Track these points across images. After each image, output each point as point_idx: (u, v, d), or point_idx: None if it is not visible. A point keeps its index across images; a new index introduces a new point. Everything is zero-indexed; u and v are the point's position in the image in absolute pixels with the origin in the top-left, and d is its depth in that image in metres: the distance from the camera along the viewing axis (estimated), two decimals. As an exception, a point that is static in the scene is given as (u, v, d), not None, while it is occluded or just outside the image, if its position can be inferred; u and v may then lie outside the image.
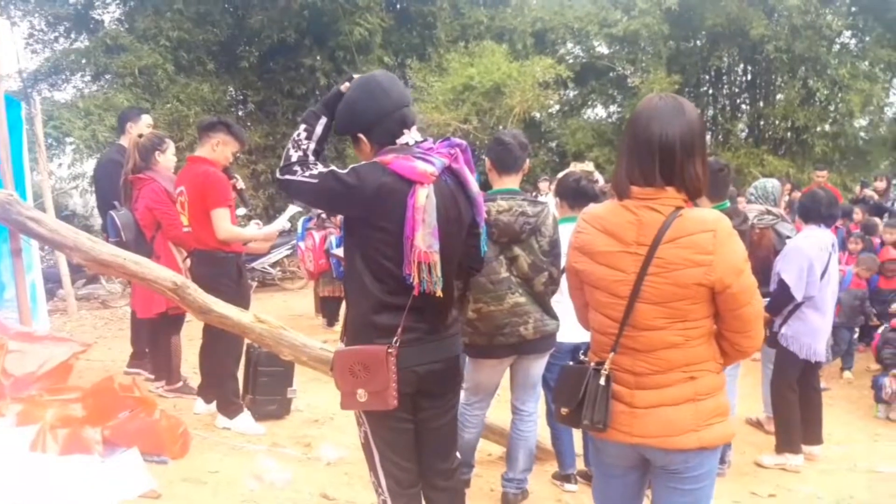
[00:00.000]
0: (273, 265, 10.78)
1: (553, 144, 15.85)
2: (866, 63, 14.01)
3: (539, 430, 3.53)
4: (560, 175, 4.13)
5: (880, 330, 5.86)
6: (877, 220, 7.91)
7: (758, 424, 4.80)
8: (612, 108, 16.63)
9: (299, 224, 8.54)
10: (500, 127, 13.35)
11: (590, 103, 16.64)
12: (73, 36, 14.94)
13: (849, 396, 5.77)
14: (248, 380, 4.31)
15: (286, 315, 9.01)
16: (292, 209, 4.44)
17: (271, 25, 13.93)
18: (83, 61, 13.55)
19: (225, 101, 15.06)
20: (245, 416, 4.04)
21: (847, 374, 6.17)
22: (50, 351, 3.22)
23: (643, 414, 1.82)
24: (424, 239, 2.03)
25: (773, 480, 4.01)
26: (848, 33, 14.74)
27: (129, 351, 5.22)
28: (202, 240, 3.80)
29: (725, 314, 1.81)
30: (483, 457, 3.98)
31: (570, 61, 15.21)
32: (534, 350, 3.19)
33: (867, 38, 14.25)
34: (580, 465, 3.72)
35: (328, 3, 13.07)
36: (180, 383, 4.67)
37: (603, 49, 15.80)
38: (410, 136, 2.14)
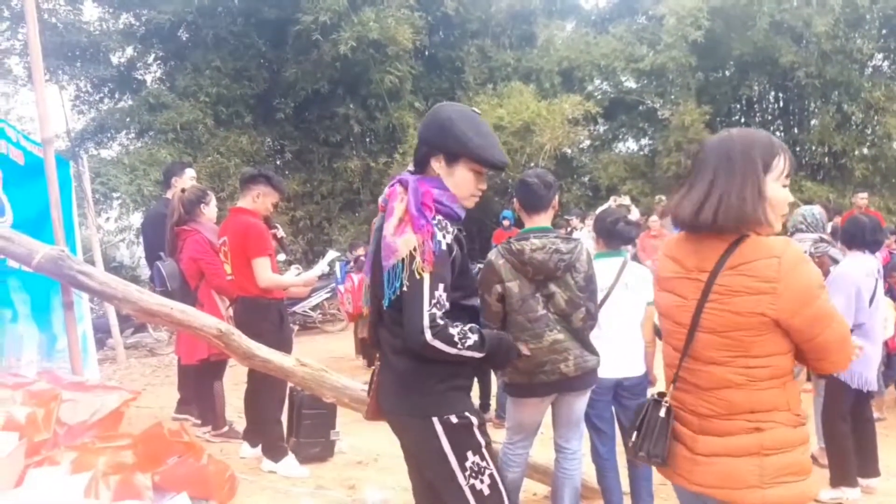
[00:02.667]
0: (313, 308, 10.93)
1: (586, 179, 15.88)
2: (901, 85, 13.82)
3: (584, 468, 3.49)
4: (598, 211, 4.16)
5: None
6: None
7: (812, 458, 4.65)
8: (644, 140, 16.63)
9: (338, 267, 8.69)
10: (532, 164, 13.44)
11: (620, 137, 16.67)
12: (117, 96, 15.68)
13: (907, 426, 5.56)
14: (292, 423, 4.37)
15: (327, 357, 9.08)
16: (331, 254, 4.55)
17: (305, 77, 14.40)
18: (127, 120, 14.18)
19: (263, 152, 15.52)
20: (290, 460, 4.08)
21: (903, 403, 5.95)
22: (101, 399, 3.32)
23: (704, 462, 1.74)
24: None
25: (832, 515, 3.87)
26: (880, 56, 14.58)
27: (177, 397, 5.34)
28: (245, 287, 3.92)
29: (801, 345, 1.70)
30: (528, 497, 3.93)
31: (599, 97, 15.32)
32: (575, 387, 3.17)
33: (901, 60, 14.10)
34: (627, 503, 3.65)
35: (359, 53, 13.46)
36: (226, 428, 4.75)
37: (631, 84, 15.89)
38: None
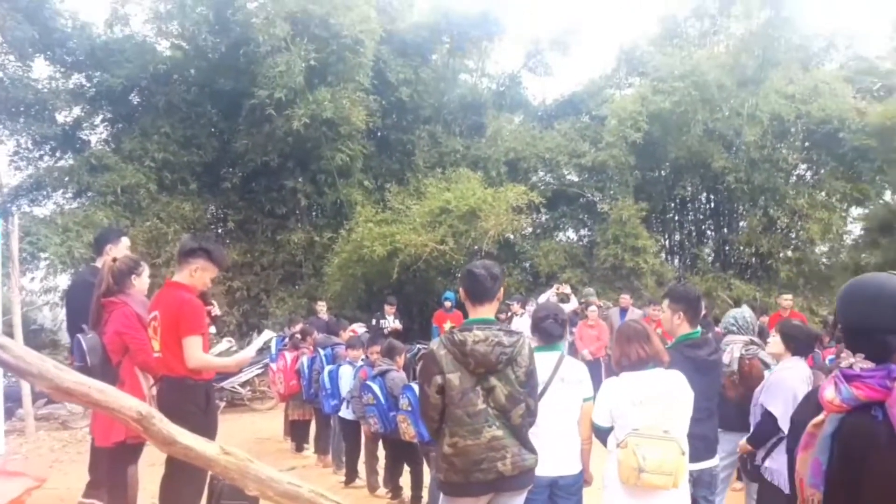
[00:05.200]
0: (243, 385, 10.52)
1: (527, 265, 16.15)
2: (823, 193, 14.77)
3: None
4: (535, 308, 4.20)
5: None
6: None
7: (743, 562, 4.62)
8: (583, 231, 17.17)
9: (273, 343, 8.42)
10: (476, 248, 13.61)
11: (561, 227, 17.16)
12: (58, 154, 15.30)
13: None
14: (210, 514, 4.09)
15: (254, 437, 8.70)
16: (267, 334, 4.41)
17: (255, 149, 14.43)
18: (66, 179, 13.81)
19: (205, 220, 15.30)
20: (204, 555, 3.79)
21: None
22: (2, 488, 3.04)
23: None
24: (803, 465, 1.78)
25: None
26: (803, 166, 15.64)
27: (86, 477, 4.94)
28: (172, 367, 3.72)
29: None
30: None
31: (542, 188, 15.82)
32: (512, 486, 3.09)
33: (822, 171, 15.11)
34: None
35: (312, 130, 13.60)
36: (137, 517, 4.40)
37: (573, 177, 16.52)
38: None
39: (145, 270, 4.45)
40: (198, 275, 3.87)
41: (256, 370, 10.11)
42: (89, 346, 4.10)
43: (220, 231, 15.86)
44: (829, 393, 1.72)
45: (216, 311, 4.08)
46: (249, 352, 4.15)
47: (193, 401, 3.74)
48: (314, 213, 16.18)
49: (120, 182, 13.14)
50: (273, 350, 8.00)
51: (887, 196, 15.96)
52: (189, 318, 3.70)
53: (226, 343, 4.26)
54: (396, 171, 16.12)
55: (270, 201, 15.26)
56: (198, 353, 3.68)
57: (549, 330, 3.66)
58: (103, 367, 4.05)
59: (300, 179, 14.86)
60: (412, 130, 16.14)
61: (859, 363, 1.70)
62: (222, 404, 10.11)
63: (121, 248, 4.88)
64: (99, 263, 4.87)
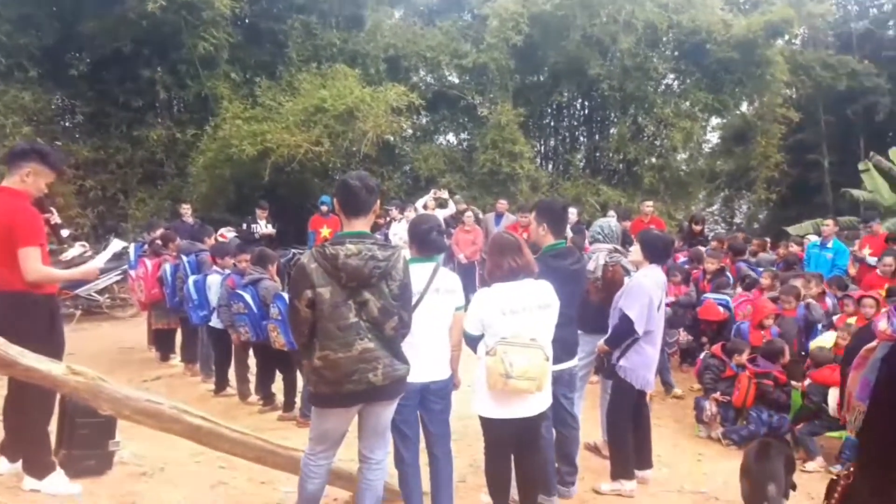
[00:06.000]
0: (100, 292, 9.87)
1: (407, 168, 15.99)
2: (687, 103, 15.50)
3: (388, 473, 3.44)
4: (414, 218, 4.12)
5: (702, 355, 6.41)
6: (702, 249, 8.67)
7: (595, 449, 5.01)
8: (463, 135, 17.13)
9: (132, 249, 7.88)
10: (354, 150, 13.23)
11: (442, 130, 17.01)
12: None
13: (675, 415, 6.22)
14: (63, 432, 3.85)
15: (116, 347, 8.30)
16: (116, 244, 4.03)
17: (105, 33, 12.93)
18: None
19: (50, 111, 13.78)
20: (57, 476, 3.59)
21: (676, 391, 6.64)
22: None
23: None
24: (853, 382, 2.16)
25: (610, 506, 4.19)
26: (672, 76, 16.26)
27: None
28: (7, 280, 3.33)
29: None
30: (329, 502, 3.82)
31: (423, 88, 15.44)
32: (383, 396, 3.11)
33: (688, 81, 15.79)
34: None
35: (170, 14, 12.31)
36: (-22, 439, 4.07)
37: (454, 79, 16.22)
38: None
39: (-31, 172, 3.90)
40: (30, 179, 3.43)
41: (115, 276, 9.50)
42: None
43: (67, 124, 14.37)
44: (882, 324, 2.11)
45: (55, 218, 3.67)
46: (97, 263, 3.79)
47: (36, 317, 3.40)
48: (175, 108, 14.97)
49: (-58, 67, 11.45)
50: (132, 256, 7.48)
51: (744, 107, 17.07)
52: (24, 228, 3.30)
53: (79, 248, 3.90)
54: (267, 63, 15.04)
55: (125, 93, 13.85)
56: (36, 266, 3.32)
57: (435, 242, 3.62)
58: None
59: (158, 69, 13.54)
60: (284, 20, 14.96)
61: None
62: (78, 313, 9.50)
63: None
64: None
